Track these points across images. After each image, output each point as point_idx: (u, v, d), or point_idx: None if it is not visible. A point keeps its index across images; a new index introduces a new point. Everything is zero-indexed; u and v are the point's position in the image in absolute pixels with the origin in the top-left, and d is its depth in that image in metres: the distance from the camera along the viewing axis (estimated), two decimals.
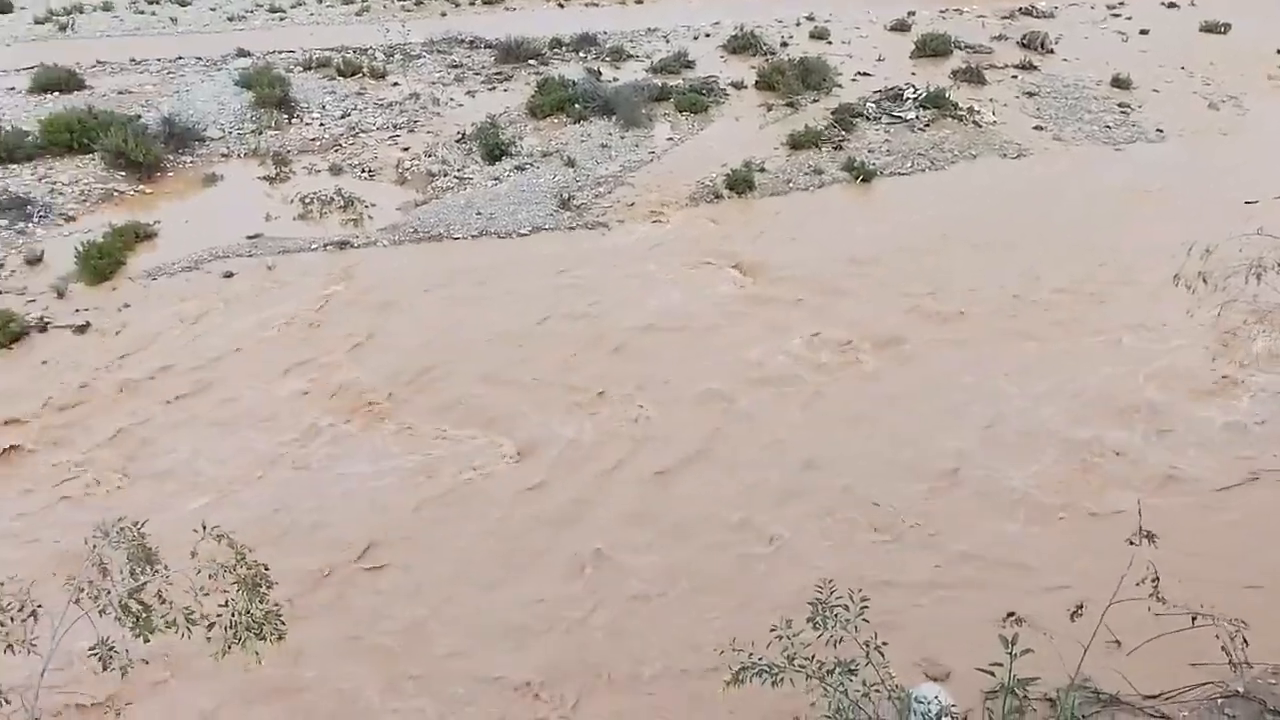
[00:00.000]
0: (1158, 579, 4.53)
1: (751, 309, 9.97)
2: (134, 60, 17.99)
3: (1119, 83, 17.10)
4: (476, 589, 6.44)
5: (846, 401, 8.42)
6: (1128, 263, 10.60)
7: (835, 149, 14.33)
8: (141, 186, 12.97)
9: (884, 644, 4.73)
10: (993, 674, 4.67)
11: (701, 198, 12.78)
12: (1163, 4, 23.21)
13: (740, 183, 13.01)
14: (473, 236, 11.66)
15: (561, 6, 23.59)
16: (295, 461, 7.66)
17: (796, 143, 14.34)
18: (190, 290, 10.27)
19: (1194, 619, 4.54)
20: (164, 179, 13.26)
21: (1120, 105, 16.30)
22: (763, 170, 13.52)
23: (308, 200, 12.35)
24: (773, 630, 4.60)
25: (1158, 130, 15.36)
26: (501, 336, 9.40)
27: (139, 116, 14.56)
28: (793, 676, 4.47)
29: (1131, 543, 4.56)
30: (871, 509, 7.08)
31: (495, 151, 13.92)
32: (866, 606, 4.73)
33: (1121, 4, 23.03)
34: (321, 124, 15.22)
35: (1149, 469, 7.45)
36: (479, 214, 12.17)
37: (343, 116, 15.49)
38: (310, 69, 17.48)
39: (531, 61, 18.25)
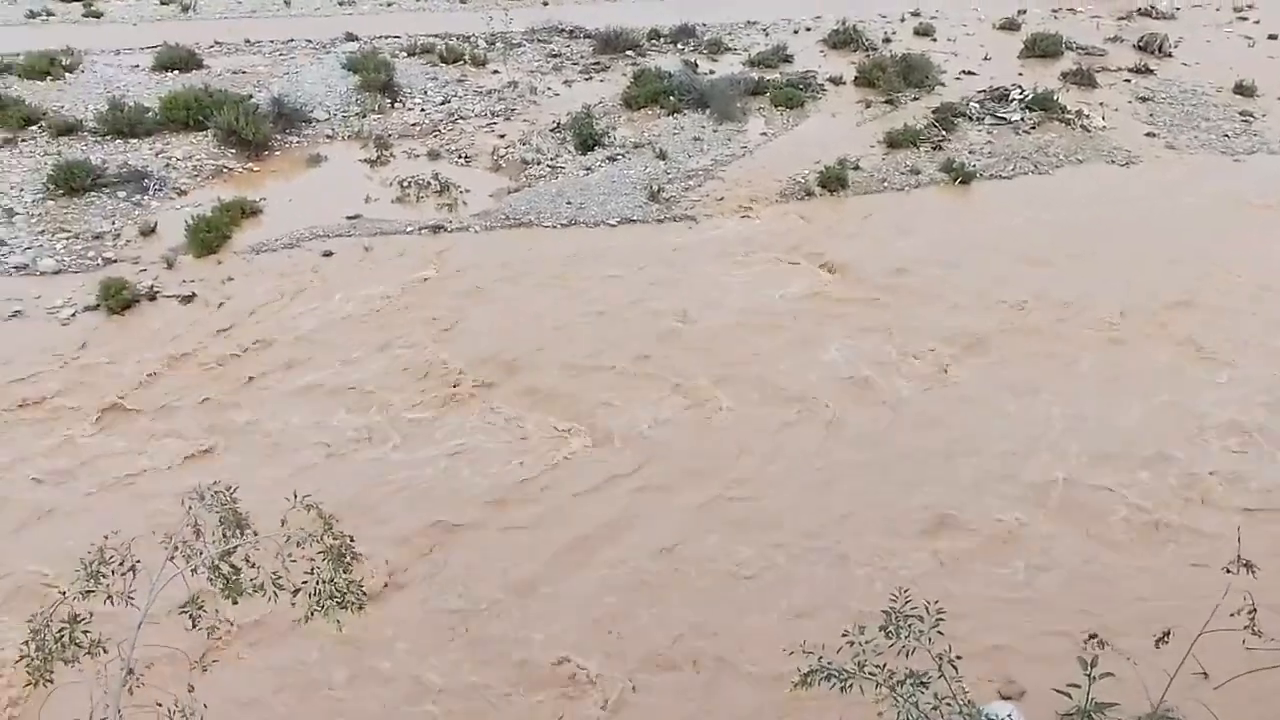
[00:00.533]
0: (1255, 610, 4.32)
1: (836, 309, 9.84)
2: (248, 41, 18.73)
3: (1242, 90, 16.23)
4: (558, 572, 6.55)
5: (927, 409, 8.25)
6: (1238, 278, 10.08)
7: (934, 149, 13.99)
8: (250, 164, 13.51)
9: (958, 657, 4.63)
10: (1069, 696, 4.53)
11: (792, 194, 12.64)
12: None
13: (833, 180, 12.82)
14: (562, 225, 11.80)
15: None
16: (384, 439, 7.89)
17: (894, 141, 14.06)
18: (290, 266, 10.66)
19: None
20: (271, 158, 13.78)
21: (1242, 113, 15.47)
22: (857, 168, 13.29)
23: (405, 184, 12.68)
24: (844, 635, 4.55)
25: None
26: (585, 325, 9.50)
27: (250, 96, 15.15)
28: (862, 684, 4.42)
29: (1229, 570, 4.35)
30: (957, 519, 6.93)
31: (588, 141, 14.03)
32: (942, 618, 4.64)
33: (1250, 6, 21.82)
34: (423, 109, 15.59)
35: (1251, 495, 7.09)
36: (569, 203, 12.30)
37: (443, 103, 15.83)
38: (414, 55, 17.92)
39: (629, 52, 18.32)
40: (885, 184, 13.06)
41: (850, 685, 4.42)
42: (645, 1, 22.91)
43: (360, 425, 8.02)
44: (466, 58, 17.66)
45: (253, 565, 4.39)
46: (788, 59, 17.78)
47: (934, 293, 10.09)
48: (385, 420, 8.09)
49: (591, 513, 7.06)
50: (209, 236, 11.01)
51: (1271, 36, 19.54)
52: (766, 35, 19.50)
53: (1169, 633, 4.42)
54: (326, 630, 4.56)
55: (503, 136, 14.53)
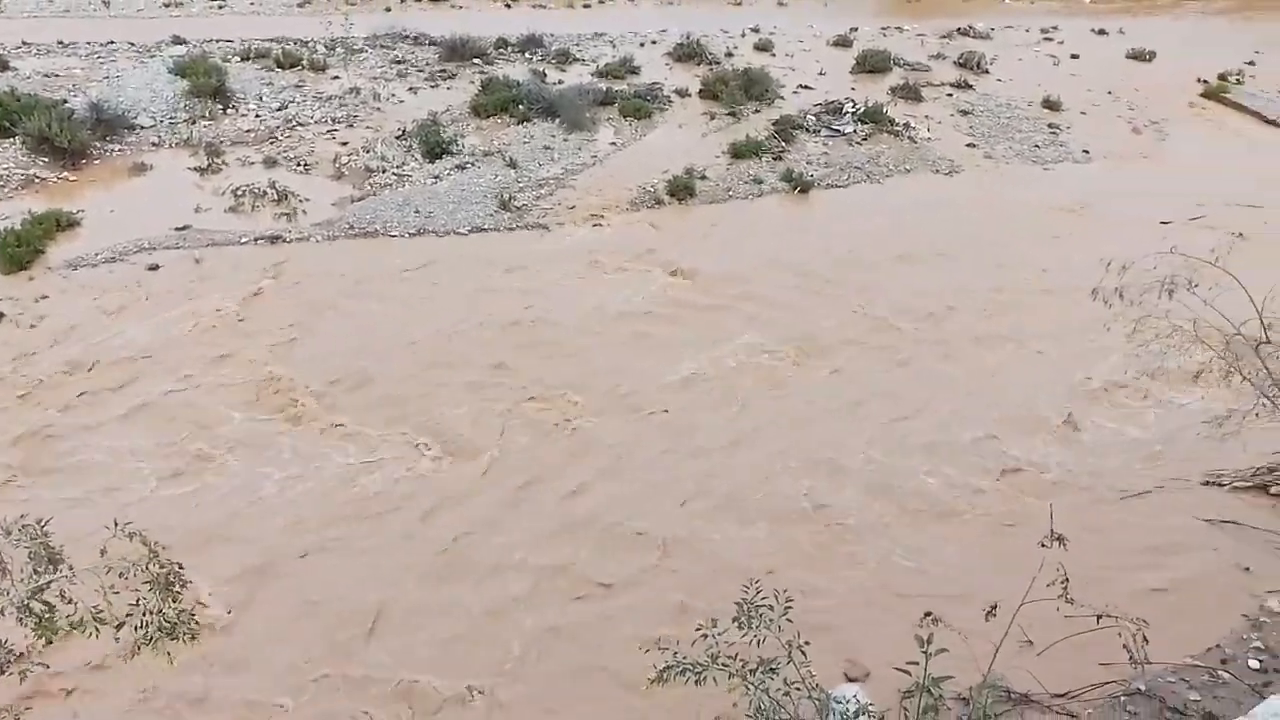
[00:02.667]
0: (1067, 580, 4.69)
1: (686, 314, 10.05)
2: (62, 43, 17.41)
3: (1049, 104, 17.67)
4: (396, 597, 6.37)
5: (770, 408, 8.53)
6: (1050, 278, 10.95)
7: (775, 159, 14.53)
8: (65, 174, 12.56)
9: (806, 643, 4.81)
10: (909, 673, 4.78)
11: (642, 203, 12.84)
12: (1093, 30, 24.04)
13: (681, 189, 13.10)
14: (410, 234, 11.54)
15: (508, 7, 23.50)
16: (214, 463, 7.48)
17: (738, 152, 14.51)
18: (113, 282, 9.97)
19: (1099, 619, 4.70)
20: (89, 167, 12.85)
21: (1050, 126, 16.84)
22: (704, 178, 13.64)
23: (240, 193, 12.09)
24: (698, 629, 4.65)
25: (1084, 151, 15.90)
26: (434, 336, 9.32)
27: (65, 101, 14.10)
28: (716, 675, 4.52)
29: (1043, 545, 4.70)
30: (793, 512, 7.20)
31: (436, 149, 13.80)
32: (790, 606, 4.81)
33: (1055, 28, 23.79)
34: (258, 115, 14.92)
35: (1062, 476, 7.71)
36: (417, 212, 12.05)
37: (280, 109, 15.21)
38: (248, 59, 17.13)
39: (476, 60, 18.15)
40: (730, 193, 13.46)
41: (704, 678, 4.53)
42: (491, 11, 22.82)
43: (192, 449, 7.57)
44: (305, 63, 17.03)
45: (70, 601, 4.07)
46: (635, 70, 18.06)
47: (779, 297, 10.46)
48: (220, 443, 7.67)
49: (442, 530, 6.92)
50: (19, 251, 10.15)
51: (1074, 56, 21.37)
52: (614, 47, 19.74)
53: (995, 606, 4.73)
54: (158, 665, 4.27)
55: (345, 144, 14.09)
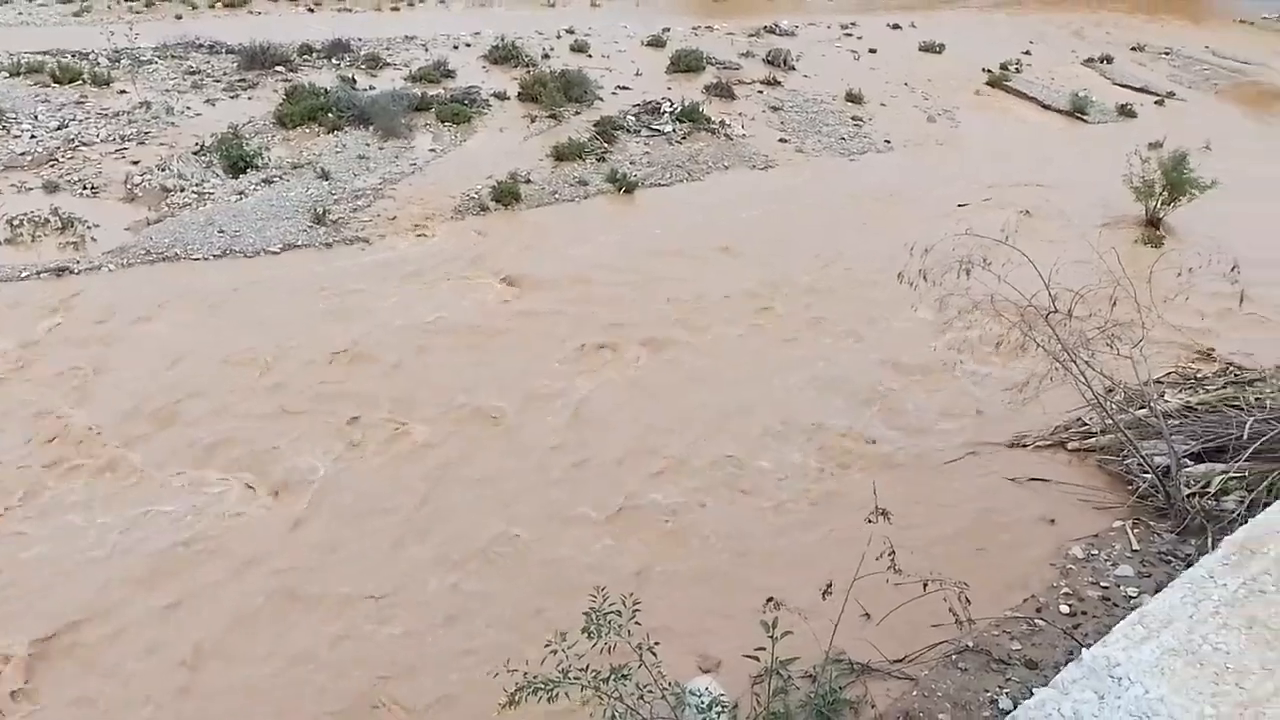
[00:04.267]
0: (894, 552, 4.93)
1: (518, 321, 9.93)
2: None
3: (852, 98, 18.63)
4: (225, 649, 5.95)
5: (609, 405, 8.56)
6: (862, 263, 11.53)
7: (599, 160, 14.60)
8: None
9: (656, 644, 4.83)
10: (757, 659, 4.90)
11: (467, 210, 12.59)
12: (888, 25, 25.54)
13: (506, 194, 12.94)
14: (215, 256, 10.82)
15: (311, 11, 22.51)
16: (7, 523, 6.74)
17: (561, 154, 14.48)
18: None
19: (925, 585, 4.97)
20: None
21: (854, 118, 17.75)
22: (528, 182, 13.53)
23: (16, 223, 10.98)
24: (547, 645, 4.58)
25: (886, 141, 16.86)
26: (248, 363, 8.77)
27: None
28: (568, 689, 4.47)
29: (870, 520, 4.93)
30: (633, 510, 7.24)
31: (239, 164, 13.02)
32: (638, 608, 4.82)
33: (854, 24, 25.10)
34: (33, 136, 13.61)
35: (884, 451, 8.12)
36: (222, 232, 11.32)
37: (59, 127, 13.94)
38: (18, 75, 15.61)
39: (279, 68, 17.26)
40: (556, 195, 13.41)
41: (557, 694, 4.46)
42: (293, 15, 21.80)
43: None
44: (86, 77, 15.69)
45: None
46: (450, 74, 17.71)
47: (607, 296, 10.51)
48: (11, 501, 6.92)
49: (264, 577, 6.50)
50: None
51: (872, 50, 22.62)
52: (426, 50, 19.28)
53: (830, 585, 4.92)
54: None
55: (137, 163, 13.07)
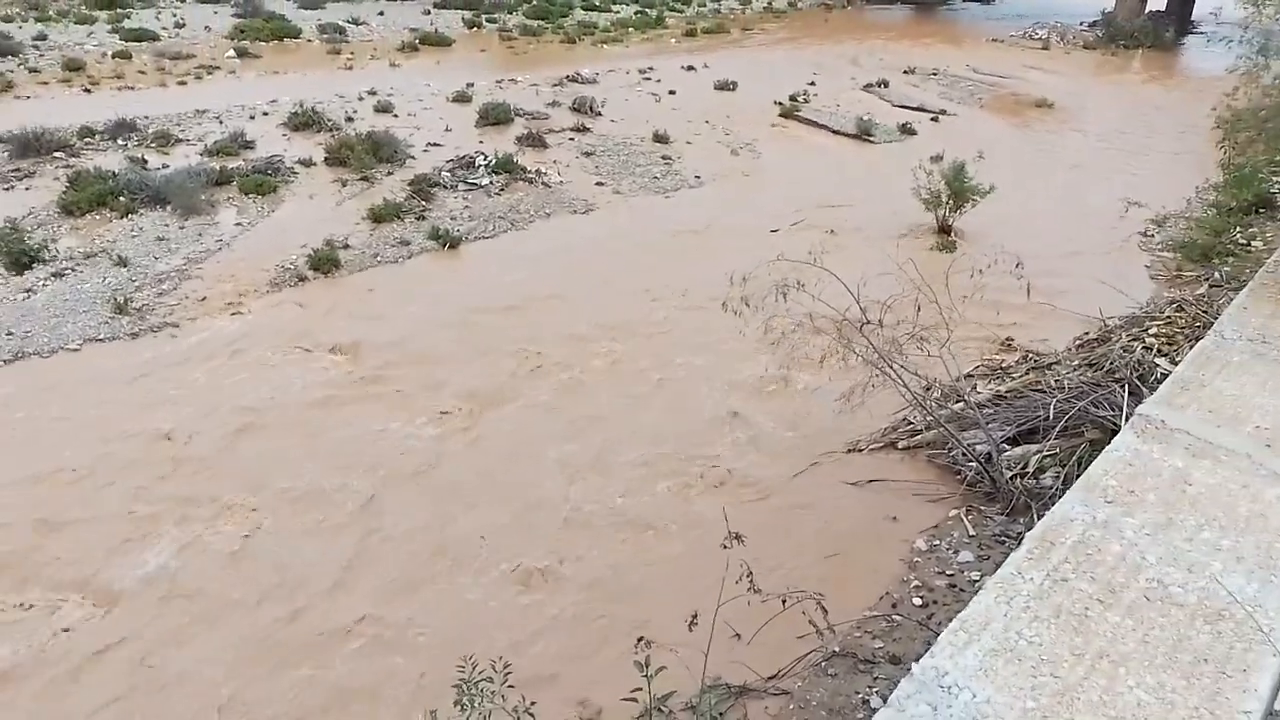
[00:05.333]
0: (751, 574, 5.10)
1: (354, 391, 9.61)
2: None
3: (659, 138, 19.29)
4: None
5: (460, 466, 8.42)
6: (689, 295, 11.89)
7: (418, 219, 14.41)
8: None
9: (533, 704, 4.77)
10: (635, 700, 4.92)
11: (284, 282, 12.10)
12: (683, 67, 26.64)
13: (324, 262, 12.54)
14: (5, 361, 9.90)
15: (89, 91, 21.09)
16: None
17: (378, 216, 14.19)
18: None
19: (784, 601, 5.15)
20: None
21: (663, 158, 18.38)
22: (347, 247, 13.17)
23: None
24: None
25: (696, 177, 17.54)
26: (61, 475, 8.04)
27: None
28: None
29: (725, 546, 5.08)
30: (498, 565, 7.14)
31: (23, 259, 12.00)
32: (510, 672, 4.75)
33: (651, 69, 26.04)
34: None
35: (730, 474, 8.38)
36: (10, 334, 10.37)
37: None
38: None
39: (58, 154, 16.06)
40: (378, 258, 13.12)
41: None
42: (67, 97, 20.41)
43: None
44: None
45: None
46: (249, 145, 17.04)
47: (444, 355, 10.36)
48: None
49: (95, 701, 5.96)
50: None
51: (671, 92, 23.52)
52: (221, 123, 18.48)
53: (696, 615, 5.02)
54: None
55: None
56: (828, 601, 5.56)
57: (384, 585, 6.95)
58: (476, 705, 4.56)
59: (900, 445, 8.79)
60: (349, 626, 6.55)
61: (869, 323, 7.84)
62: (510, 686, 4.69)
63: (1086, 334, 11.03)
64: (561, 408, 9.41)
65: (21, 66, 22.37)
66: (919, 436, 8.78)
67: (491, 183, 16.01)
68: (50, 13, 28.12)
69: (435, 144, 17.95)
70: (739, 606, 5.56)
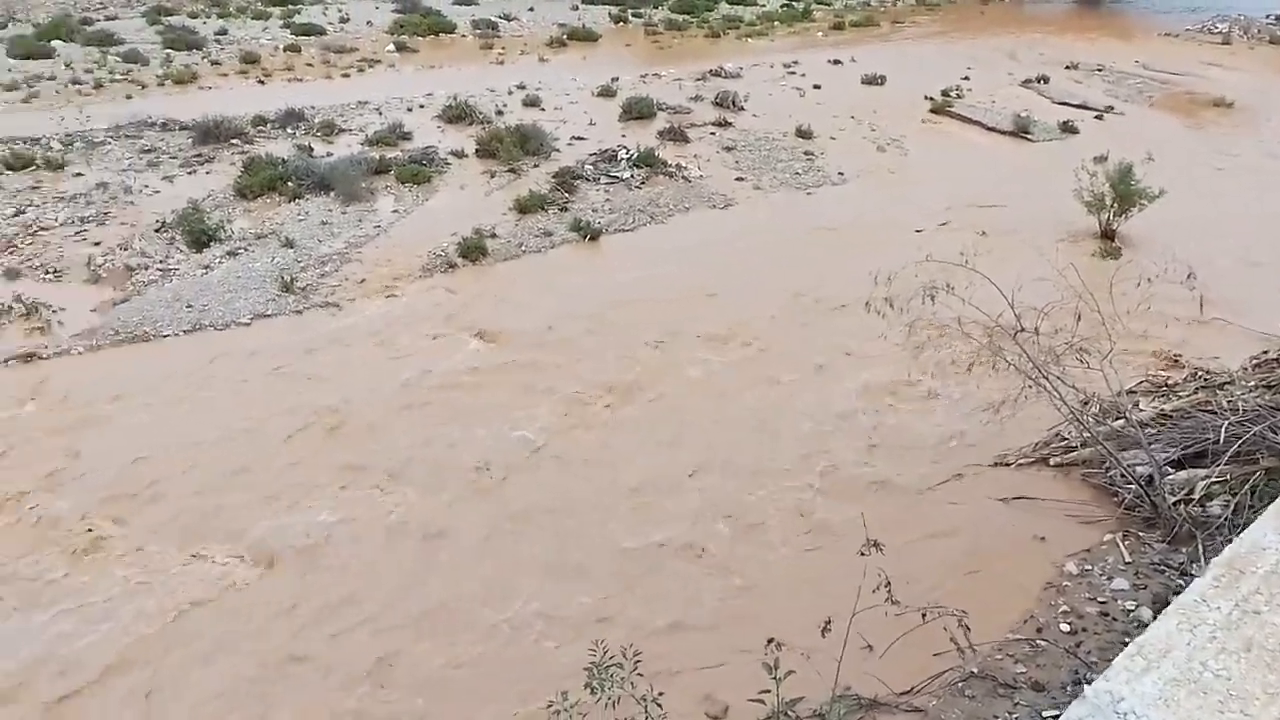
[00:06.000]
0: (889, 584, 4.97)
1: (496, 376, 9.92)
2: None
3: (802, 133, 19.00)
4: None
5: (593, 453, 8.57)
6: (829, 294, 11.68)
7: (561, 210, 14.72)
8: None
9: (660, 695, 4.81)
10: (763, 702, 4.89)
11: (435, 268, 12.61)
12: (829, 61, 26.14)
13: (473, 250, 12.99)
14: (184, 332, 10.73)
15: (262, 83, 22.55)
16: None
17: (523, 207, 14.59)
18: None
19: (924, 616, 5.00)
20: None
21: (806, 153, 18.09)
22: (494, 236, 13.60)
23: None
24: (550, 706, 4.54)
25: (839, 173, 17.18)
26: (227, 438, 8.68)
27: None
28: None
29: (862, 553, 4.97)
30: (628, 555, 7.22)
31: (202, 238, 12.97)
32: (639, 661, 4.80)
33: (796, 63, 25.66)
34: None
35: (870, 480, 8.18)
36: (189, 307, 11.24)
37: (16, 214, 13.79)
38: None
39: (235, 141, 17.27)
40: (523, 248, 13.49)
41: None
42: (244, 88, 21.84)
43: None
44: (39, 162, 15.58)
45: None
46: (406, 136, 17.82)
47: (584, 345, 10.55)
48: None
49: (261, 653, 6.39)
50: None
51: (816, 86, 23.11)
52: (380, 115, 19.40)
53: (829, 621, 4.94)
54: None
55: (98, 244, 12.96)
56: (967, 620, 5.35)
57: (517, 568, 7.16)
58: (606, 690, 4.63)
59: (1052, 462, 8.36)
60: (468, 617, 6.78)
61: (1023, 330, 7.49)
62: (639, 674, 4.73)
63: (1265, 353, 10.18)
64: (691, 403, 9.42)
65: (205, 59, 24.12)
66: (1073, 454, 8.33)
67: (632, 176, 16.18)
68: (230, 9, 30.20)
69: (579, 137, 18.28)
70: (873, 617, 5.43)
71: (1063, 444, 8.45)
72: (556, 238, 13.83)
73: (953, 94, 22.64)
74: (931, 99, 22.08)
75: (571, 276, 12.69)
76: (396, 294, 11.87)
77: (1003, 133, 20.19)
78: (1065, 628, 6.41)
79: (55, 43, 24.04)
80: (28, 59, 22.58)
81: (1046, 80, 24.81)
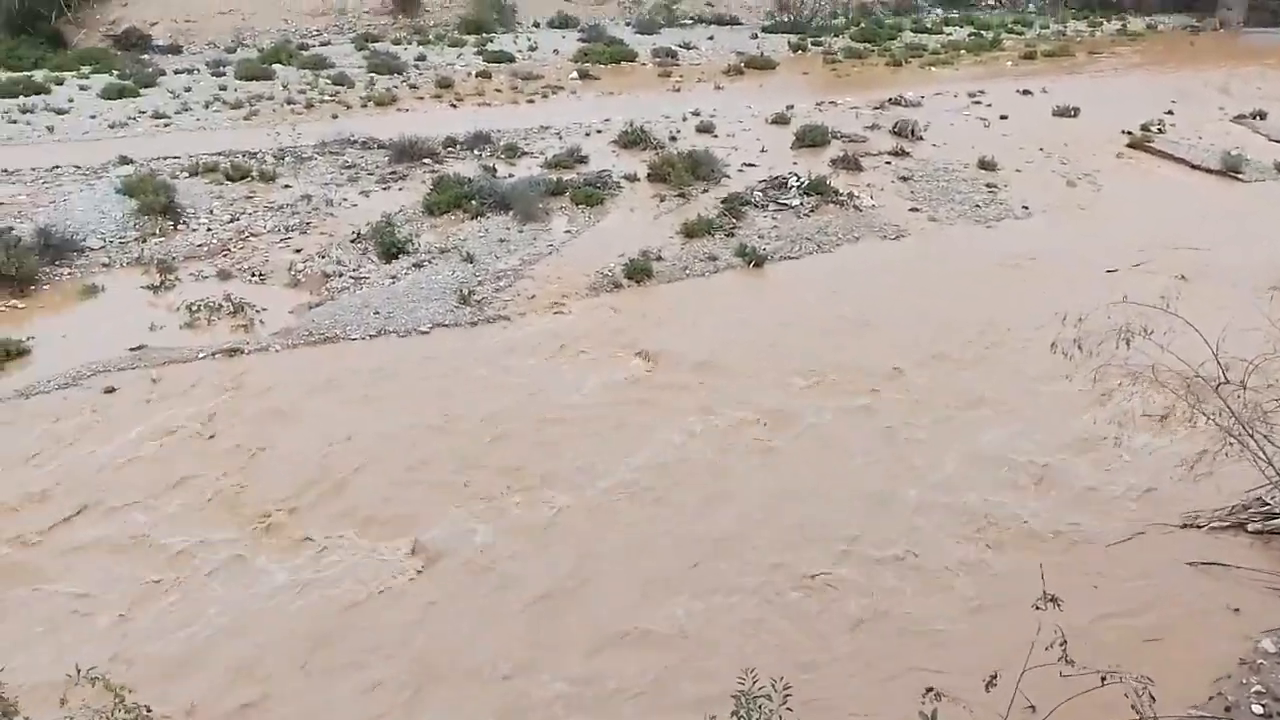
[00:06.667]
0: (1065, 642, 4.64)
1: (655, 395, 10.04)
2: (5, 171, 17.32)
3: (985, 165, 18.26)
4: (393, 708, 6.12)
5: (752, 482, 8.50)
6: (1009, 333, 11.14)
7: (727, 236, 14.77)
8: (13, 301, 12.34)
9: None
10: None
11: (602, 287, 12.93)
12: (1018, 92, 25.06)
13: (639, 271, 13.24)
14: (370, 336, 11.47)
15: (454, 107, 23.90)
16: (185, 589, 7.20)
17: (690, 231, 14.74)
18: (67, 408, 9.71)
19: (1103, 679, 4.64)
20: (39, 292, 12.65)
21: (988, 185, 17.38)
22: (659, 259, 13.80)
23: (194, 308, 11.95)
24: None
25: (1024, 207, 16.40)
26: (404, 437, 9.19)
27: (10, 229, 13.95)
28: None
29: (1037, 607, 4.67)
30: (787, 587, 7.10)
31: (392, 250, 13.84)
32: (790, 694, 4.69)
33: (982, 92, 24.75)
34: (209, 229, 14.87)
35: (1046, 531, 7.71)
36: (376, 313, 12.00)
37: (231, 221, 15.19)
38: (196, 174, 17.15)
39: (426, 160, 18.35)
40: (687, 271, 13.62)
41: None
42: (438, 111, 23.19)
43: (158, 579, 7.28)
44: (254, 174, 17.10)
45: None
46: (583, 160, 18.39)
47: (744, 370, 10.52)
48: (187, 568, 7.40)
49: (428, 642, 6.69)
50: None
51: (1003, 117, 22.20)
52: (560, 139, 20.13)
53: (996, 675, 4.66)
54: None
55: (299, 251, 14.08)
56: (1152, 688, 4.92)
57: (671, 582, 7.18)
58: (754, 719, 4.55)
59: (1251, 528, 7.62)
60: (624, 627, 6.83)
61: (1227, 383, 6.87)
62: (788, 709, 4.63)
63: None
64: (851, 437, 9.19)
65: (404, 83, 25.81)
66: (1276, 521, 7.56)
67: (802, 204, 16.03)
68: (430, 36, 32.22)
69: (750, 164, 18.31)
70: (1040, 675, 5.08)
71: (1264, 509, 7.67)
72: (721, 262, 13.88)
73: (1154, 129, 21.19)
74: (1130, 133, 20.74)
75: (733, 300, 12.70)
76: (564, 310, 12.24)
77: (1209, 171, 18.71)
78: (1258, 710, 5.81)
79: (275, 66, 26.37)
80: (252, 80, 24.89)
81: (1263, 116, 22.81)
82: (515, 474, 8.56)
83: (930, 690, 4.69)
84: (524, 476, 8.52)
